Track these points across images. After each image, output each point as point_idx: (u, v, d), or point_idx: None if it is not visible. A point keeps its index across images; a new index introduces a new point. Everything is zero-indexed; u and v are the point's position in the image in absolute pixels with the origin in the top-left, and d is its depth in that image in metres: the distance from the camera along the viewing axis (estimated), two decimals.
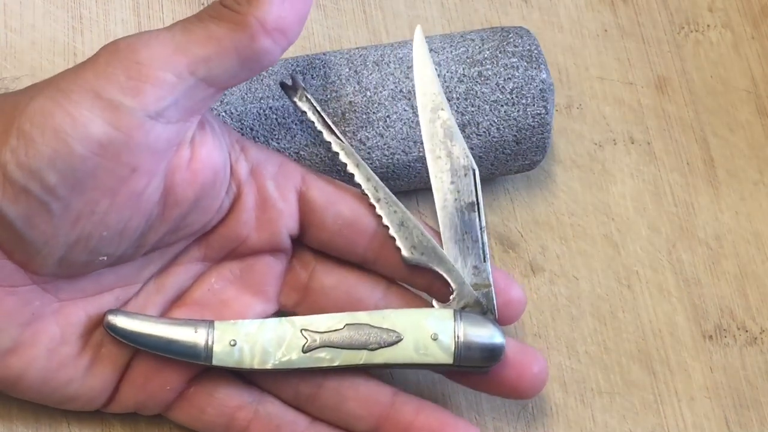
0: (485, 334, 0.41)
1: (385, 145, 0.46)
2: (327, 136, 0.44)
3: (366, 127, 0.46)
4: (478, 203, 0.44)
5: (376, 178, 0.43)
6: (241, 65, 0.39)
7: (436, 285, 0.44)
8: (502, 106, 0.47)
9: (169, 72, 0.38)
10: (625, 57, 0.55)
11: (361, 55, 0.48)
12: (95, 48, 0.52)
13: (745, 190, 0.53)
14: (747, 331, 0.50)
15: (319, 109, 0.44)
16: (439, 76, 0.47)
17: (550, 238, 0.51)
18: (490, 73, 0.47)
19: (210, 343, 0.40)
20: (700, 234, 0.52)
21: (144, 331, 0.40)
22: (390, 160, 0.47)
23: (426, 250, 0.43)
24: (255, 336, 0.40)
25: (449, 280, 0.43)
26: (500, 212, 0.51)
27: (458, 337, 0.41)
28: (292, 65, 0.47)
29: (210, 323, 0.40)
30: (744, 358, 0.49)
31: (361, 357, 0.40)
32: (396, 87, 0.47)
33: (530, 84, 0.47)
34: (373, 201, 0.43)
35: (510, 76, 0.47)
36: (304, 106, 0.44)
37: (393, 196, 0.43)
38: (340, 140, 0.44)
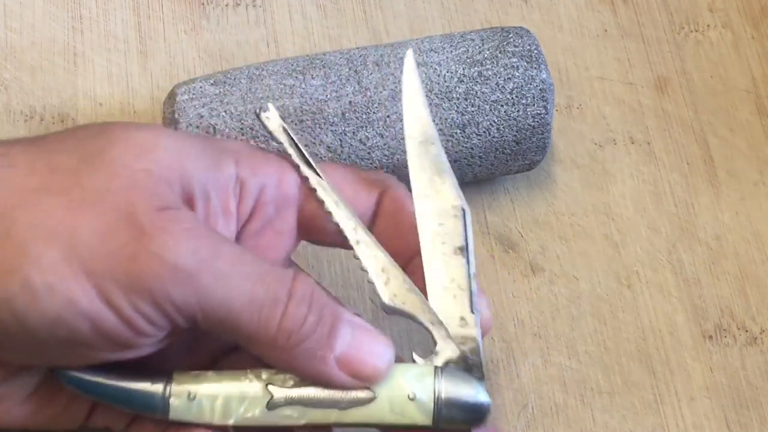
0: (468, 393, 0.38)
1: (385, 145, 0.46)
2: (304, 170, 0.40)
3: (366, 127, 0.46)
4: (467, 247, 0.40)
5: (357, 219, 0.40)
6: None
7: (417, 337, 0.42)
8: (502, 106, 0.47)
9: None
10: (625, 57, 0.55)
11: (361, 55, 0.48)
12: (95, 48, 0.52)
13: (745, 190, 0.53)
14: (747, 331, 0.50)
15: (296, 140, 0.41)
16: (439, 75, 0.47)
17: (550, 238, 0.51)
18: (490, 73, 0.47)
19: (167, 395, 0.37)
20: (700, 234, 0.52)
21: (101, 382, 0.37)
22: (390, 160, 0.47)
23: (408, 298, 0.39)
24: (216, 389, 0.37)
25: (432, 332, 0.39)
26: (500, 212, 0.51)
27: (438, 396, 0.37)
28: (292, 65, 0.47)
29: (169, 375, 0.37)
30: (744, 358, 0.49)
31: (331, 416, 0.37)
32: (396, 87, 0.47)
33: (530, 84, 0.47)
34: (352, 243, 0.39)
35: (510, 76, 0.47)
36: (281, 137, 0.41)
37: (374, 238, 0.40)
38: (318, 176, 0.40)
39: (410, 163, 0.41)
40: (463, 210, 0.40)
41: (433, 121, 0.46)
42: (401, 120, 0.46)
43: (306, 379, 0.36)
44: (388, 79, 0.47)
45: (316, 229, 0.41)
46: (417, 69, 0.42)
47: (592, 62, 0.55)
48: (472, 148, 0.47)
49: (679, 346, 0.49)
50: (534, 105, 0.47)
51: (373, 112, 0.46)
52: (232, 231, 0.39)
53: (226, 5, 0.54)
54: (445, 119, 0.47)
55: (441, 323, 0.39)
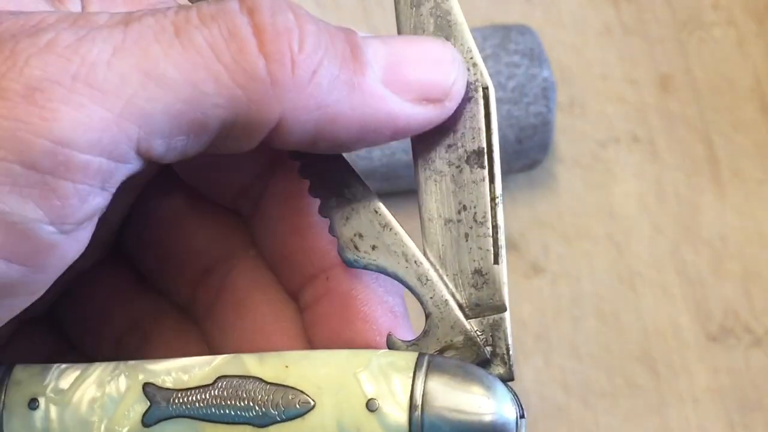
0: (471, 404, 0.22)
1: (385, 144, 0.46)
2: None
3: None
4: (489, 151, 0.24)
5: None
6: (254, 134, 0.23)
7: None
8: (503, 104, 0.47)
9: (101, 156, 0.21)
10: (628, 55, 0.55)
11: None
12: None
13: (750, 189, 0.53)
14: (751, 332, 0.49)
15: None
16: None
17: (552, 238, 0.50)
18: (491, 71, 0.47)
19: (0, 404, 0.24)
20: (704, 234, 0.51)
21: None
22: (390, 159, 0.46)
23: (382, 240, 0.24)
24: (69, 394, 0.24)
25: (419, 295, 0.24)
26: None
27: (416, 407, 0.22)
28: None
29: (7, 369, 0.24)
30: (749, 360, 0.49)
31: None
32: None
33: (532, 82, 0.47)
34: None
35: (512, 74, 0.47)
36: None
37: None
38: None
39: (398, 18, 0.26)
40: (485, 88, 0.26)
41: None
42: None
43: (353, 136, 0.23)
44: None
45: None
46: None
47: (595, 60, 0.55)
48: None
49: (683, 347, 0.49)
50: (536, 103, 0.47)
51: None
52: None
53: None
54: None
55: (438, 280, 0.24)
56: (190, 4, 0.23)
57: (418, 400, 0.22)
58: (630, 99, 0.54)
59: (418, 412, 0.22)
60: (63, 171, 0.20)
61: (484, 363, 0.23)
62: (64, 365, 0.24)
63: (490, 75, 0.45)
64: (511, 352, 0.24)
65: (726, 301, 0.50)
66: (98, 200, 0.21)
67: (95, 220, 0.22)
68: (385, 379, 0.22)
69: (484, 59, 0.47)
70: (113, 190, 0.22)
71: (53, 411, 0.24)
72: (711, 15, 0.57)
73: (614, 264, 0.50)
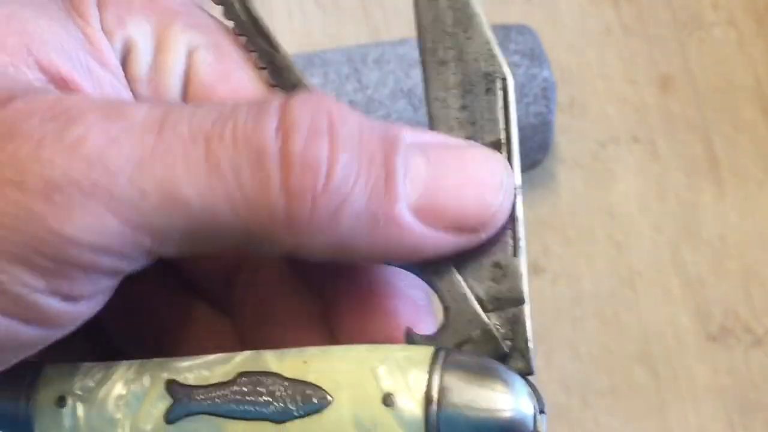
0: (488, 399, 0.22)
1: None
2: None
3: None
4: (509, 141, 0.24)
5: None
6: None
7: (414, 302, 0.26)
8: None
9: (111, 257, 0.21)
10: (628, 55, 0.55)
11: (361, 53, 0.48)
12: None
13: (750, 189, 0.53)
14: (751, 332, 0.49)
15: (253, 12, 0.26)
16: None
17: (552, 239, 0.50)
18: None
19: (32, 401, 0.24)
20: (704, 234, 0.51)
21: None
22: None
23: None
24: (96, 392, 0.24)
25: (438, 288, 0.24)
26: None
27: (433, 402, 0.22)
28: None
29: (37, 367, 0.25)
30: (749, 360, 0.49)
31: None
32: (396, 85, 0.46)
33: (532, 82, 0.47)
34: None
35: (512, 74, 0.47)
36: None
37: None
38: (274, 50, 0.26)
39: (417, 14, 0.25)
40: (503, 79, 0.25)
41: None
42: (402, 119, 0.46)
43: (378, 261, 0.23)
44: (389, 78, 0.47)
45: None
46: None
47: (595, 60, 0.55)
48: None
49: (683, 347, 0.49)
50: (536, 103, 0.47)
51: (373, 111, 0.46)
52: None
53: None
54: None
55: (455, 274, 0.24)
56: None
57: (435, 395, 0.22)
58: (630, 99, 0.54)
59: (434, 407, 0.22)
60: (72, 263, 0.21)
61: (503, 357, 0.23)
62: (91, 364, 0.24)
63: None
64: (530, 346, 0.23)
65: (726, 301, 0.50)
66: (110, 282, 0.22)
67: (112, 289, 0.22)
68: (402, 374, 0.22)
69: None
70: (127, 272, 0.22)
71: (80, 409, 0.24)
72: (711, 15, 0.57)
73: (614, 264, 0.50)
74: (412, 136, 0.22)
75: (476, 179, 0.22)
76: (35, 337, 0.22)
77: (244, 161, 0.20)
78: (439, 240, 0.22)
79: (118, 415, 0.24)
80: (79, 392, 0.24)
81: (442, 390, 0.22)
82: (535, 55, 0.48)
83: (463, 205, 0.22)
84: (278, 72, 0.25)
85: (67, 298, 0.21)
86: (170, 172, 0.20)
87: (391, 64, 0.47)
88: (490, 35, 0.24)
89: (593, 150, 0.53)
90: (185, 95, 0.25)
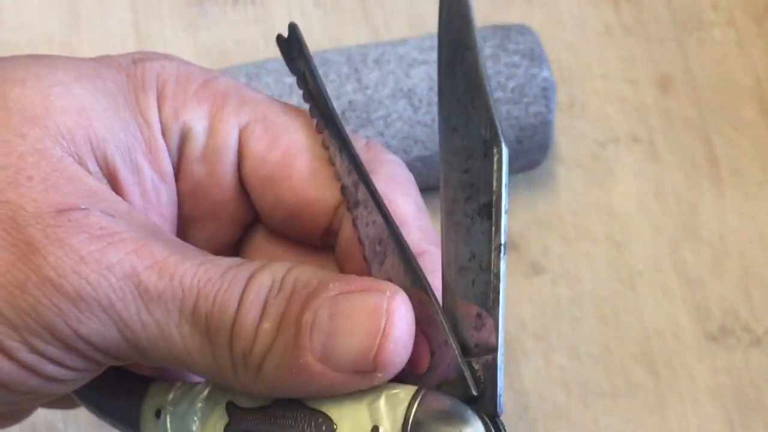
0: None
1: (385, 144, 0.46)
2: (312, 109, 0.30)
3: (366, 126, 0.46)
4: (498, 203, 0.26)
5: (364, 170, 0.29)
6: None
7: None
8: (503, 104, 0.47)
9: (100, 353, 0.26)
10: (628, 55, 0.55)
11: (360, 54, 0.47)
12: (93, 46, 0.51)
13: (750, 189, 0.53)
14: (751, 332, 0.49)
15: (319, 81, 0.31)
16: None
17: (552, 239, 0.50)
18: (491, 71, 0.47)
19: (141, 412, 0.30)
20: (703, 234, 0.51)
21: (84, 395, 0.31)
22: None
23: (403, 283, 0.27)
24: (180, 407, 0.29)
25: (427, 335, 0.27)
26: None
27: None
28: None
29: (147, 384, 0.30)
30: (748, 360, 0.49)
31: None
32: (396, 85, 0.46)
33: (532, 82, 0.47)
34: (351, 207, 0.29)
35: (512, 74, 0.47)
36: (301, 65, 0.31)
37: (375, 201, 0.29)
38: (343, 140, 0.30)
39: (439, 83, 0.28)
40: (495, 147, 0.26)
41: (434, 119, 0.46)
42: (401, 119, 0.46)
43: (300, 398, 0.27)
44: (389, 78, 0.47)
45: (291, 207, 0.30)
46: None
47: (595, 60, 0.55)
48: None
49: (683, 347, 0.49)
50: (536, 104, 0.47)
51: (373, 111, 0.46)
52: (174, 205, 0.30)
53: (225, 3, 0.53)
54: None
55: (442, 322, 0.26)
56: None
57: (408, 429, 0.25)
58: (630, 99, 0.54)
59: None
60: (75, 351, 0.26)
61: (474, 399, 0.26)
62: (182, 383, 0.29)
63: (490, 75, 0.45)
64: (499, 391, 0.26)
65: (726, 301, 0.50)
66: (96, 367, 0.27)
67: (97, 371, 0.28)
68: (389, 410, 0.26)
69: (484, 60, 0.47)
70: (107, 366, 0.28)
71: (169, 420, 0.29)
72: (711, 15, 0.56)
73: (614, 264, 0.50)
74: (337, 286, 0.25)
75: (358, 328, 0.25)
76: (38, 386, 0.26)
77: (215, 322, 0.25)
78: (348, 380, 0.25)
79: (193, 427, 0.29)
80: (170, 407, 0.29)
81: (414, 426, 0.25)
82: (535, 55, 0.48)
83: (352, 352, 0.25)
84: (332, 135, 0.29)
85: (60, 365, 0.26)
86: (167, 316, 0.25)
87: (391, 64, 0.47)
88: (492, 104, 0.26)
89: (593, 150, 0.53)
90: (241, 167, 0.29)
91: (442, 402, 0.25)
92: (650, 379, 0.48)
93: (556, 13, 0.56)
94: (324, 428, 0.26)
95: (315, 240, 0.30)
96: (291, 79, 0.46)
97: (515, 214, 0.51)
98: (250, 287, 0.25)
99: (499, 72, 0.47)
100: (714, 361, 0.49)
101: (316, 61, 0.47)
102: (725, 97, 0.55)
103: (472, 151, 0.27)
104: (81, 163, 0.26)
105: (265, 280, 0.25)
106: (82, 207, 0.25)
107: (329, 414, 0.26)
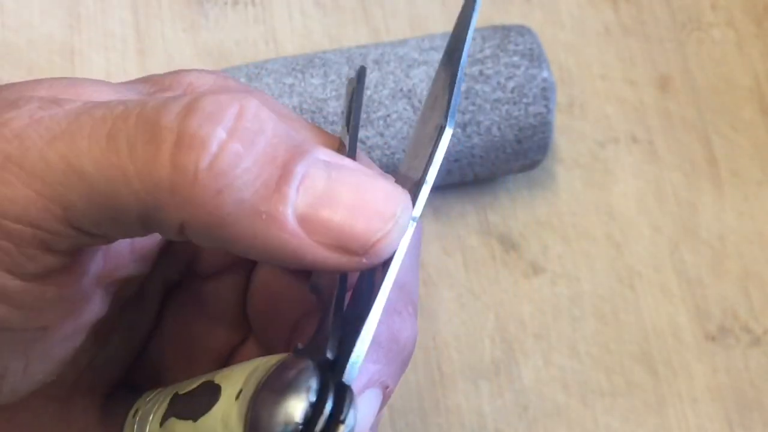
0: (280, 409, 0.23)
1: (385, 144, 0.46)
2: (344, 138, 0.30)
3: (366, 126, 0.46)
4: (423, 183, 0.25)
5: None
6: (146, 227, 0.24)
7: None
8: (503, 105, 0.47)
9: (31, 227, 0.23)
10: (627, 55, 0.55)
11: (361, 54, 0.47)
12: (93, 46, 0.51)
13: (749, 189, 0.53)
14: (750, 332, 0.49)
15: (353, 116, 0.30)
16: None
17: (551, 238, 0.50)
18: (491, 71, 0.47)
19: (136, 418, 0.29)
20: (703, 234, 0.51)
21: None
22: (390, 160, 0.46)
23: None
24: (149, 402, 0.28)
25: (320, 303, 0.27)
26: (501, 212, 0.51)
27: (249, 407, 0.24)
28: (291, 64, 0.47)
29: (140, 392, 0.30)
30: (747, 360, 0.49)
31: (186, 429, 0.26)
32: (396, 86, 0.46)
33: (532, 83, 0.47)
34: None
35: (511, 74, 0.47)
36: (350, 100, 0.31)
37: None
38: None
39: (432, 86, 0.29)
40: (441, 128, 0.25)
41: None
42: (401, 119, 0.46)
43: (261, 258, 0.23)
44: (388, 78, 0.47)
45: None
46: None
47: (594, 61, 0.55)
48: (473, 148, 0.47)
49: (682, 347, 0.49)
50: (535, 104, 0.47)
51: (373, 111, 0.46)
52: None
53: (225, 3, 0.53)
54: None
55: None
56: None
57: (257, 394, 0.24)
58: (629, 99, 0.54)
59: (250, 412, 0.23)
60: (1, 234, 0.23)
61: (329, 364, 0.24)
62: (155, 390, 0.29)
63: (490, 75, 0.45)
64: (353, 358, 0.23)
65: (725, 300, 0.50)
66: (54, 260, 0.23)
67: (65, 268, 0.24)
68: (257, 375, 0.24)
69: (484, 59, 0.48)
70: (63, 250, 0.24)
71: (138, 416, 0.28)
72: (710, 16, 0.57)
73: (613, 264, 0.50)
74: (326, 155, 0.23)
75: (369, 205, 0.23)
76: (6, 315, 0.24)
77: (140, 137, 0.22)
78: (319, 253, 0.23)
79: (150, 418, 0.27)
80: (143, 405, 0.28)
81: (262, 389, 0.23)
82: (534, 56, 0.48)
83: (349, 226, 0.23)
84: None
85: (18, 275, 0.23)
86: (74, 146, 0.22)
87: (391, 64, 0.47)
88: (452, 96, 0.26)
89: (593, 150, 0.53)
90: None
91: (290, 369, 0.23)
92: (650, 379, 0.48)
93: (556, 13, 0.56)
94: (216, 397, 0.24)
95: None
96: (291, 80, 0.46)
97: (515, 214, 0.51)
98: (200, 103, 0.22)
99: (498, 72, 0.47)
100: (713, 361, 0.49)
101: (316, 61, 0.47)
102: (725, 97, 0.55)
103: (425, 138, 0.27)
104: None
105: (224, 101, 0.23)
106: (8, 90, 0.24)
107: (221, 384, 0.25)
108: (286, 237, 0.22)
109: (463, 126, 0.47)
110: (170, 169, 0.22)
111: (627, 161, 0.53)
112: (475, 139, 0.47)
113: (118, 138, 0.22)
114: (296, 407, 0.22)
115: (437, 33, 0.49)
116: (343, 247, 0.23)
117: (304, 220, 0.22)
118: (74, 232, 0.23)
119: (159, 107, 0.22)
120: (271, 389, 0.22)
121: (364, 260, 0.23)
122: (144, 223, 0.23)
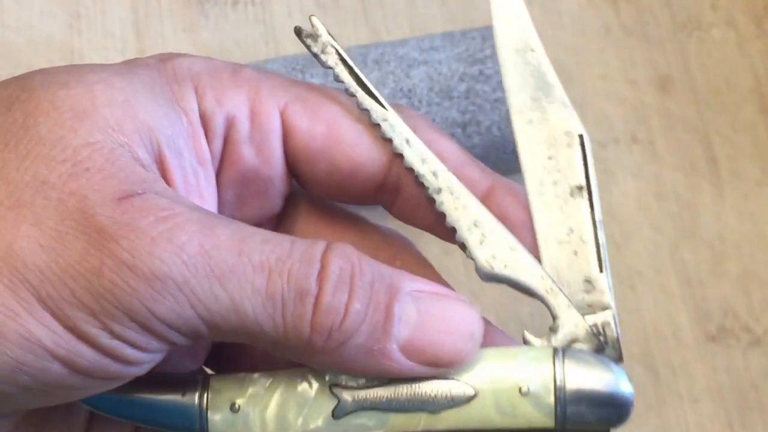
0: (603, 380, 0.28)
1: None
2: (362, 100, 0.31)
3: None
4: (588, 185, 0.32)
5: (435, 159, 0.31)
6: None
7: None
8: (503, 104, 0.47)
9: (174, 331, 0.27)
10: (627, 56, 0.55)
11: (360, 54, 0.47)
12: (93, 46, 0.51)
13: (749, 190, 0.53)
14: (750, 332, 0.49)
15: (351, 63, 0.32)
16: (439, 74, 0.47)
17: None
18: (491, 71, 0.47)
19: (205, 408, 0.29)
20: (703, 234, 0.51)
21: (123, 398, 0.30)
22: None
23: (511, 259, 0.30)
24: (265, 397, 0.29)
25: (548, 302, 0.30)
26: None
27: (561, 387, 0.28)
28: (291, 63, 0.47)
29: (205, 379, 0.30)
30: (748, 360, 0.49)
31: (419, 422, 0.29)
32: (396, 85, 0.46)
33: None
34: (432, 193, 0.30)
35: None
36: (329, 59, 0.32)
37: (462, 185, 0.30)
38: (382, 106, 0.31)
39: (504, 81, 0.32)
40: (581, 136, 0.32)
41: (434, 119, 0.46)
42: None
43: (368, 378, 0.29)
44: (389, 78, 0.47)
45: (355, 185, 0.32)
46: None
47: (594, 61, 0.55)
48: (473, 148, 0.47)
49: (682, 347, 0.49)
50: None
51: None
52: (213, 186, 0.31)
53: (225, 3, 0.53)
54: (446, 118, 0.47)
55: (559, 290, 0.30)
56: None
57: (561, 382, 0.28)
58: (629, 99, 0.54)
59: (562, 392, 0.28)
60: (150, 330, 0.27)
61: (601, 350, 0.30)
62: (255, 375, 0.30)
63: (490, 75, 0.46)
64: (620, 340, 0.30)
65: (725, 301, 0.50)
66: (168, 346, 0.27)
67: (167, 349, 0.28)
68: (533, 370, 0.28)
69: (484, 59, 0.48)
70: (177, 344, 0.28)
71: (253, 412, 0.29)
72: (710, 16, 0.57)
73: (614, 264, 0.50)
74: (411, 284, 0.28)
75: (453, 329, 0.28)
76: (117, 371, 0.27)
77: (292, 297, 0.27)
78: (416, 370, 0.28)
79: (289, 415, 0.29)
80: (251, 398, 0.29)
81: (565, 378, 0.28)
82: None
83: (440, 349, 0.28)
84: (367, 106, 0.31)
85: (137, 348, 0.27)
86: (240, 289, 0.26)
87: (391, 64, 0.47)
88: (566, 99, 0.33)
89: (593, 150, 0.53)
90: (287, 144, 0.31)
91: (583, 355, 0.29)
92: (650, 379, 0.48)
93: (556, 13, 0.56)
94: (465, 393, 0.29)
95: (367, 199, 0.32)
96: None
97: None
98: (330, 267, 0.27)
99: (498, 72, 0.47)
100: (713, 361, 0.49)
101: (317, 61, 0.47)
102: (725, 97, 0.55)
103: (553, 140, 0.32)
104: (131, 151, 0.27)
105: (342, 262, 0.27)
106: (139, 192, 0.26)
107: (466, 380, 0.29)
108: (391, 364, 0.28)
109: (463, 126, 0.47)
110: (311, 329, 0.27)
111: (627, 161, 0.53)
112: (476, 139, 0.47)
113: (276, 293, 0.27)
114: (630, 394, 0.29)
115: (437, 33, 0.49)
116: (434, 364, 0.28)
117: (405, 349, 0.28)
118: (194, 341, 0.28)
119: (304, 270, 0.27)
120: (592, 384, 0.28)
121: (451, 369, 0.28)
122: (267, 348, 0.28)
